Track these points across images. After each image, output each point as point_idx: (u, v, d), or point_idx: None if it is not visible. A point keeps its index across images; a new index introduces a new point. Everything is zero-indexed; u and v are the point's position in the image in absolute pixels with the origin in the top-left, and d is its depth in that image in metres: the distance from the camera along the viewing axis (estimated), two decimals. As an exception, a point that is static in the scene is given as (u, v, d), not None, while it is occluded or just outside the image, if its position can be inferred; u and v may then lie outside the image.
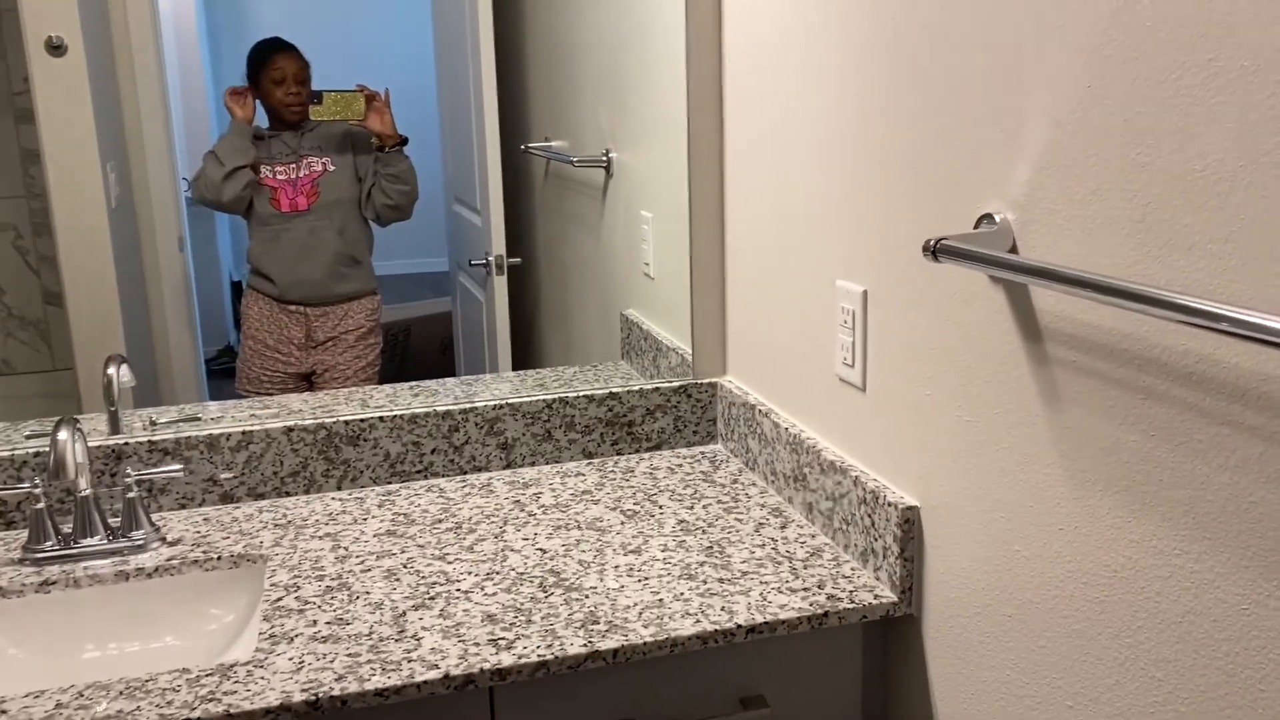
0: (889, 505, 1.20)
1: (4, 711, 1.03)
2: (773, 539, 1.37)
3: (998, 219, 1.00)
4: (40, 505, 1.34)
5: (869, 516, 1.24)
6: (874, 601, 1.20)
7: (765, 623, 1.16)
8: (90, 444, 1.46)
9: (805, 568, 1.28)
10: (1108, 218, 0.87)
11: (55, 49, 1.48)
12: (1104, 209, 0.87)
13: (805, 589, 1.23)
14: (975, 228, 1.03)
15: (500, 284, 1.79)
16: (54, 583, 1.30)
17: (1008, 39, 0.96)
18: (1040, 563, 0.99)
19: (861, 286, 1.26)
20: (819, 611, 1.18)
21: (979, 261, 0.93)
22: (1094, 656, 0.93)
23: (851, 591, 1.22)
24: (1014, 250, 0.99)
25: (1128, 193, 0.84)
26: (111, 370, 1.53)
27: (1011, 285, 1.00)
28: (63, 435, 1.27)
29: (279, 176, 1.64)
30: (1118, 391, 0.88)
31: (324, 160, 1.66)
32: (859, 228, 1.25)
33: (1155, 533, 0.85)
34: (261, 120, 1.64)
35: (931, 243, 0.97)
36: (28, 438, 1.49)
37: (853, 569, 1.27)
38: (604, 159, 1.80)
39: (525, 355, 1.83)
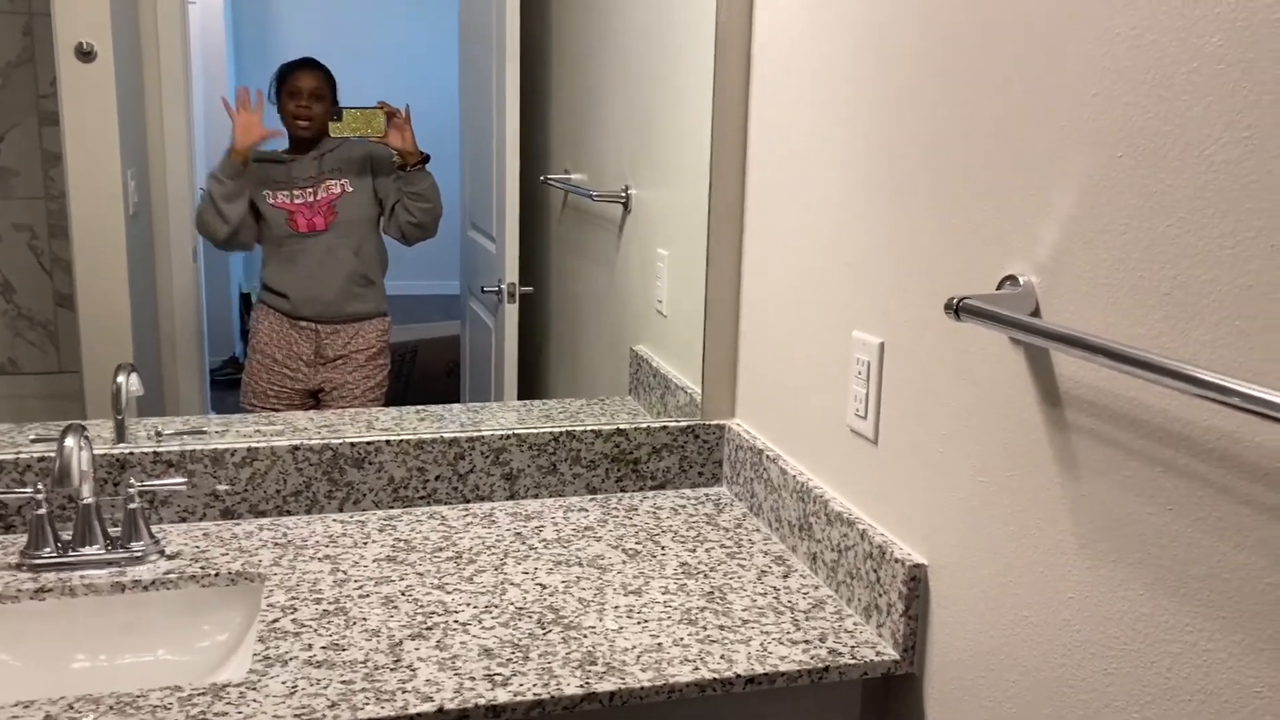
0: (895, 561, 1.19)
1: (-8, 720, 1.02)
2: (775, 588, 1.35)
3: (1021, 280, 1.00)
4: (41, 511, 1.33)
5: (874, 571, 1.23)
6: (875, 658, 1.18)
7: (764, 674, 1.15)
8: (95, 451, 1.46)
9: (807, 619, 1.27)
10: (1135, 288, 0.87)
11: (85, 54, 1.49)
12: (1131, 279, 0.87)
13: (806, 641, 1.22)
14: (998, 288, 1.03)
15: (511, 312, 1.79)
16: (49, 590, 1.29)
17: (1041, 102, 0.96)
18: (1048, 630, 0.98)
19: (879, 339, 1.26)
20: (819, 665, 1.16)
21: (1002, 323, 0.93)
22: (1099, 729, 0.92)
23: (853, 647, 1.21)
24: (1036, 313, 0.99)
25: (1156, 265, 0.84)
26: (121, 378, 1.53)
27: (1033, 349, 1.00)
28: (69, 442, 1.26)
29: (297, 200, 1.65)
30: (1137, 463, 0.87)
31: (342, 182, 1.67)
32: (878, 280, 1.25)
33: (1168, 607, 0.84)
34: (283, 144, 1.65)
35: (954, 301, 0.97)
36: (33, 441, 1.48)
37: (855, 624, 1.26)
38: (623, 195, 1.81)
39: (531, 384, 1.83)
